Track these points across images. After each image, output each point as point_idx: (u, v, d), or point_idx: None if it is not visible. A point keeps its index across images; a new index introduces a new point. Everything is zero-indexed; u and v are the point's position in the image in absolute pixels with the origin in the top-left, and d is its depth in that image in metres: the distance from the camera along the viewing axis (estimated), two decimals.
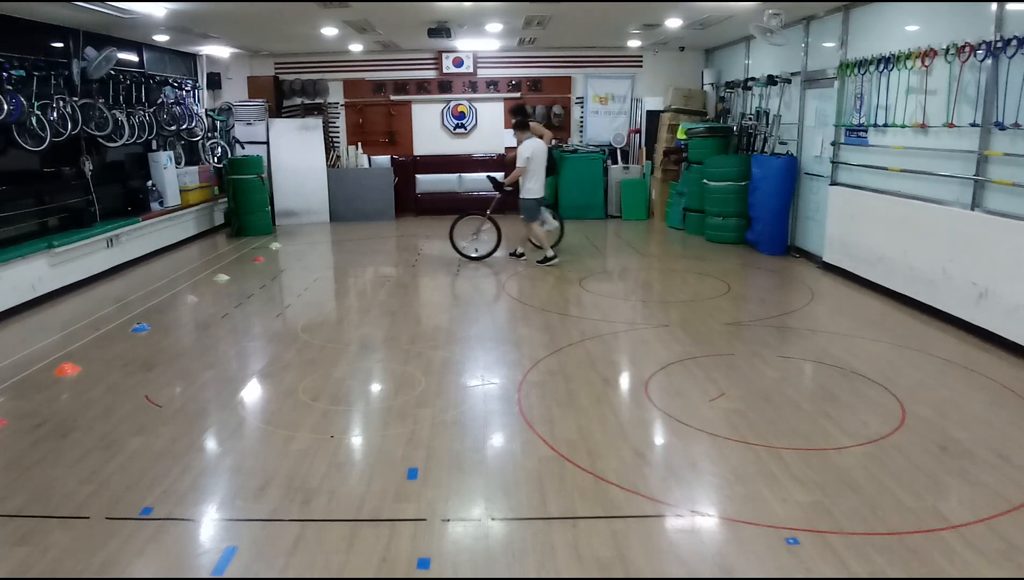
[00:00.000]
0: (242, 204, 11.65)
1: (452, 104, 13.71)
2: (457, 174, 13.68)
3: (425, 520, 3.38)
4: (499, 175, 9.32)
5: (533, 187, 8.76)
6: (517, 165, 8.71)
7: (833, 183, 8.50)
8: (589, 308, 7.23)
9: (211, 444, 4.30)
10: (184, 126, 11.19)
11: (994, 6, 5.87)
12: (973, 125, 6.12)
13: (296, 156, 12.67)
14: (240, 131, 12.72)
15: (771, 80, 9.93)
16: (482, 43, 12.47)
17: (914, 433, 4.23)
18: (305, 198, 12.85)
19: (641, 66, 13.42)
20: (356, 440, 4.35)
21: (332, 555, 3.12)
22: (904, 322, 6.58)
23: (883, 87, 7.40)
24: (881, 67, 7.37)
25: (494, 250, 9.39)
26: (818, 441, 4.15)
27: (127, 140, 9.44)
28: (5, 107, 7.17)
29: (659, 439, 4.33)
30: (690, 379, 5.17)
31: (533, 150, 8.70)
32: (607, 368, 5.48)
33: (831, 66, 8.51)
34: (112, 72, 9.27)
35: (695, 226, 11.17)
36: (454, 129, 13.85)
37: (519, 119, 9.03)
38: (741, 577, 2.94)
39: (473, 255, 9.36)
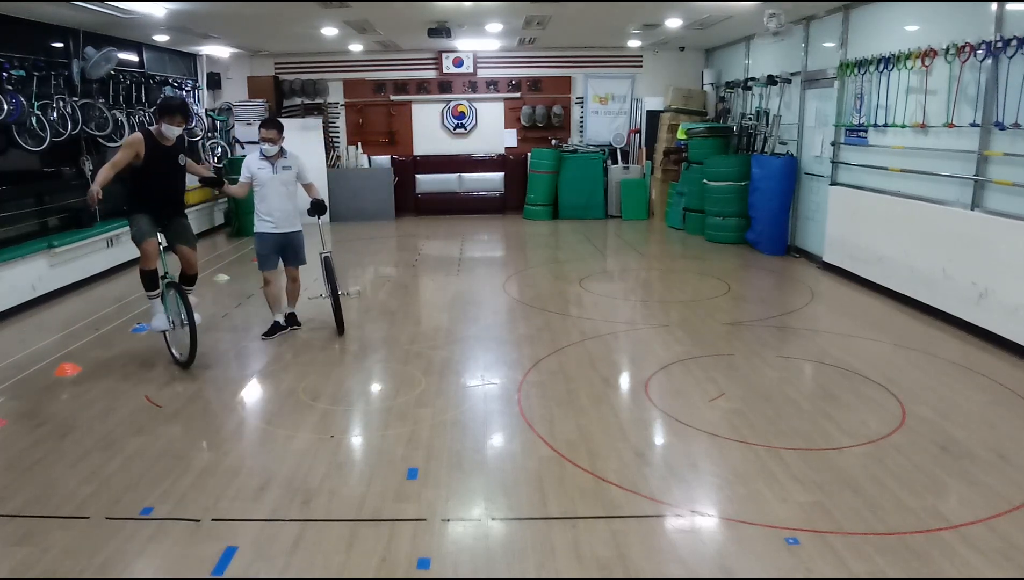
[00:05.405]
0: (242, 204, 11.57)
1: (452, 104, 13.70)
2: (457, 174, 13.70)
3: (425, 520, 3.38)
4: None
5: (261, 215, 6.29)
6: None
7: (833, 183, 8.50)
8: (589, 308, 7.23)
9: (211, 444, 4.29)
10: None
11: (994, 6, 5.87)
12: (973, 125, 6.12)
13: None
14: (240, 131, 12.69)
15: (771, 80, 9.92)
16: (482, 43, 12.46)
17: (914, 433, 4.23)
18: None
19: (641, 66, 13.41)
20: (356, 440, 4.35)
21: (332, 555, 3.12)
22: (904, 322, 6.58)
23: (883, 87, 7.40)
24: (881, 67, 7.36)
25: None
26: (818, 441, 4.15)
27: None
28: (5, 107, 7.17)
29: (659, 439, 4.33)
30: (690, 379, 5.17)
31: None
32: (607, 368, 5.48)
33: (831, 66, 8.50)
34: (112, 72, 9.26)
35: (695, 226, 11.16)
36: (454, 129, 13.84)
37: (272, 121, 6.36)
38: (741, 577, 2.94)
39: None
